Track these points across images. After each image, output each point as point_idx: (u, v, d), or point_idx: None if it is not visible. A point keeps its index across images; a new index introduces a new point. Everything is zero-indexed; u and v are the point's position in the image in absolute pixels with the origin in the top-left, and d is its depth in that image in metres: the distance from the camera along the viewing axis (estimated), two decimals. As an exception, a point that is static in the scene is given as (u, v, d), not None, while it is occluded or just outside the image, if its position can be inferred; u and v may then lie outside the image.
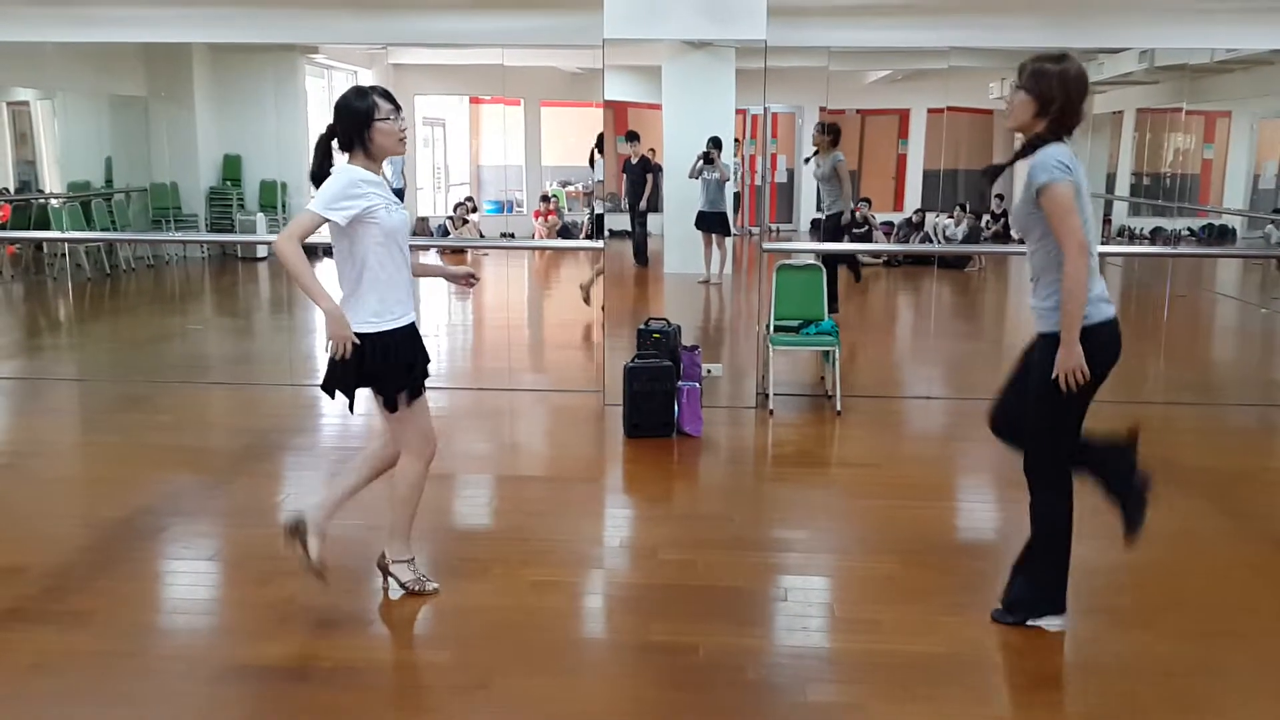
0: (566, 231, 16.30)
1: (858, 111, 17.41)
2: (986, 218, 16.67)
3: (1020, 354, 3.70)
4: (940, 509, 5.11)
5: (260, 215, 13.77)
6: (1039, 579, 3.68)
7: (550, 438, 6.53)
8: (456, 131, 17.96)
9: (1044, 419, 3.53)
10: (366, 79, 15.89)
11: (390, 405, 3.70)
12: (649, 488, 5.46)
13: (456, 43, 8.80)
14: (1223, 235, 16.11)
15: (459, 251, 15.04)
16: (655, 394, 5.99)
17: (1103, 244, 15.78)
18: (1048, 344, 3.45)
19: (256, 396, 7.31)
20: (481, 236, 16.14)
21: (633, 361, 6.12)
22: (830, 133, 9.80)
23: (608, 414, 6.48)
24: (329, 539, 3.83)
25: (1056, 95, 3.36)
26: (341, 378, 3.64)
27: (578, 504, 5.08)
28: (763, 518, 4.93)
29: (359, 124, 3.57)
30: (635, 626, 3.74)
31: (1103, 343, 3.42)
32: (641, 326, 6.48)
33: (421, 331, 3.86)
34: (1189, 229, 16.08)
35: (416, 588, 3.90)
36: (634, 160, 10.47)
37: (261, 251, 13.76)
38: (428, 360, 3.83)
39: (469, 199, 17.20)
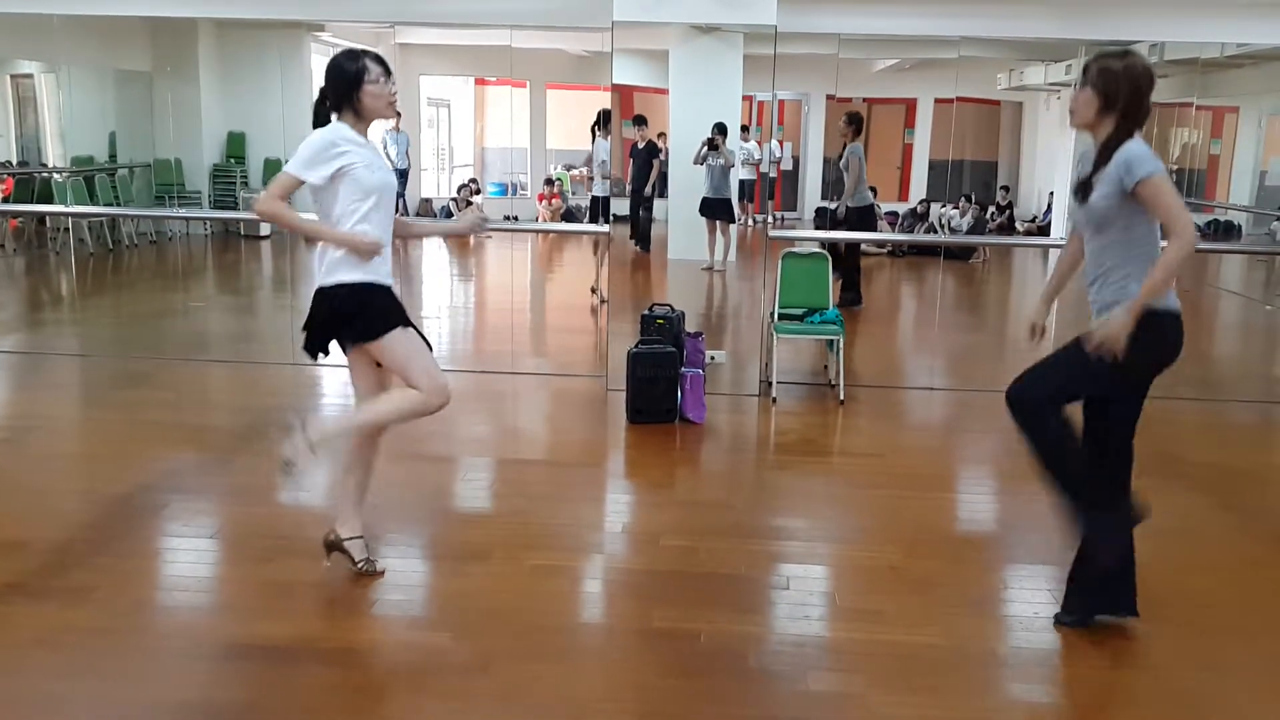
0: (570, 215, 16.26)
1: (864, 100, 17.34)
2: (992, 209, 16.62)
3: (1068, 344, 3.60)
4: (943, 499, 5.10)
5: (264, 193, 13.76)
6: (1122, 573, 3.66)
7: (552, 422, 6.52)
8: (461, 113, 17.91)
9: (1067, 371, 3.52)
10: (372, 58, 15.82)
11: (374, 332, 3.64)
12: (651, 473, 5.46)
13: (464, 23, 8.76)
14: (1228, 231, 16.07)
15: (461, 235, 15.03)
16: (658, 380, 5.98)
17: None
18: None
19: (258, 374, 7.29)
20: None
21: (636, 347, 6.11)
22: (853, 123, 9.78)
23: (610, 399, 6.47)
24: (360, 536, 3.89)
25: (1123, 91, 3.36)
26: (320, 330, 3.67)
27: (579, 489, 5.08)
28: (765, 505, 4.93)
29: (349, 85, 3.57)
30: (637, 612, 3.73)
31: (1171, 328, 3.46)
32: (645, 312, 6.46)
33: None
34: (1195, 224, 16.03)
35: (365, 568, 3.86)
36: (640, 145, 10.43)
37: (264, 229, 13.72)
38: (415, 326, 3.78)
39: (473, 181, 17.17)
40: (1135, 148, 3.33)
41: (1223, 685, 3.35)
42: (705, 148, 8.72)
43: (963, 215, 15.02)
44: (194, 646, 3.41)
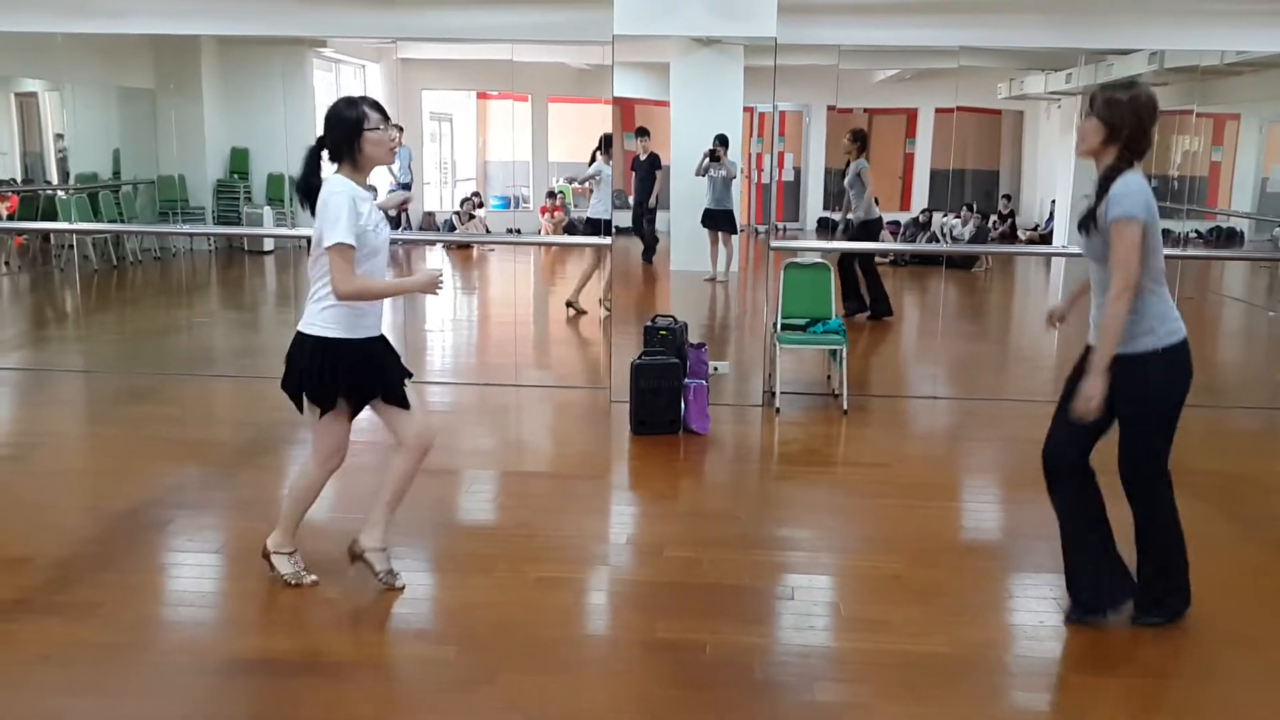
0: (573, 227, 16.30)
1: (865, 110, 17.37)
2: (994, 218, 16.64)
3: (1068, 381, 3.68)
4: (947, 509, 5.09)
5: (267, 208, 13.77)
6: (1177, 582, 3.72)
7: (556, 434, 6.52)
8: (463, 127, 17.95)
9: (1143, 434, 3.61)
10: (374, 73, 15.90)
11: (304, 406, 3.76)
12: (655, 485, 5.46)
13: (466, 38, 8.79)
14: (1230, 238, 16.07)
15: (465, 246, 15.05)
16: (662, 391, 5.98)
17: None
18: (1133, 366, 3.49)
19: (262, 390, 7.28)
20: (488, 232, 16.12)
21: (640, 358, 6.11)
22: (857, 140, 9.83)
23: (614, 411, 6.48)
24: (384, 548, 3.94)
25: (1127, 121, 3.43)
26: (299, 380, 3.74)
27: (583, 500, 5.08)
28: (769, 516, 4.93)
29: (349, 134, 3.57)
30: (641, 624, 3.73)
31: (1180, 362, 3.53)
32: (649, 323, 6.47)
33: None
34: (1196, 231, 16.03)
35: (294, 581, 3.89)
36: (642, 157, 10.45)
37: (268, 245, 13.77)
38: (401, 371, 3.83)
39: (475, 194, 17.18)
40: (1127, 184, 3.40)
41: (1227, 694, 3.35)
42: (707, 159, 8.74)
43: (965, 224, 15.03)
44: (198, 661, 3.42)
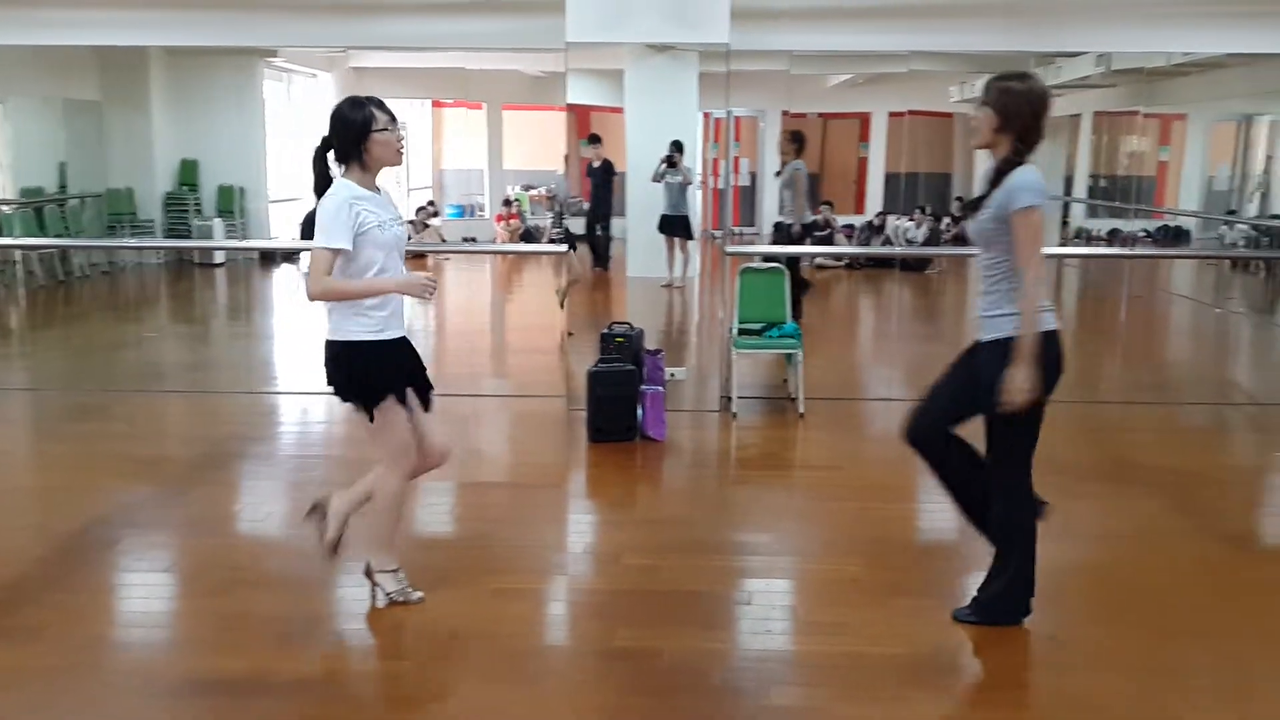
0: (529, 235, 16.25)
1: (819, 115, 17.51)
2: (947, 220, 16.80)
3: (953, 363, 3.70)
4: (903, 510, 5.12)
5: (218, 221, 13.61)
6: (1014, 585, 3.69)
7: (513, 443, 6.49)
8: (418, 135, 17.87)
9: (1011, 432, 3.56)
10: (326, 82, 15.77)
11: (369, 415, 3.65)
12: (612, 492, 5.44)
13: (418, 46, 8.74)
14: (1178, 236, 16.34)
15: (419, 256, 14.95)
16: (618, 398, 5.97)
17: (1060, 246, 15.97)
18: (995, 354, 3.48)
19: (213, 404, 7.21)
20: (443, 241, 16.05)
21: (595, 366, 6.10)
22: (795, 140, 9.76)
23: (571, 419, 6.46)
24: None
25: (1021, 112, 3.45)
26: (344, 386, 3.65)
27: (541, 510, 5.05)
28: (726, 521, 4.92)
29: (356, 135, 3.52)
30: (599, 633, 3.71)
31: (1048, 353, 3.47)
32: (605, 330, 6.45)
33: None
34: (1145, 230, 16.29)
35: (400, 598, 3.82)
36: (596, 164, 10.44)
37: (219, 257, 13.60)
38: (423, 373, 3.81)
39: (430, 203, 17.12)
40: (1024, 176, 3.42)
41: (1184, 687, 3.38)
42: (663, 165, 8.75)
43: (918, 227, 15.17)
44: (148, 683, 3.35)
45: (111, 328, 10.43)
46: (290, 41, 9.76)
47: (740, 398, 6.73)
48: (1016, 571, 3.68)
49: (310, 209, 3.73)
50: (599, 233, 10.78)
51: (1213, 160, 16.89)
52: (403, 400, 3.69)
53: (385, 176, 3.74)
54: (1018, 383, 3.40)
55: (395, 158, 3.60)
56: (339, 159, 3.59)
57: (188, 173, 13.90)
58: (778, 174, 9.64)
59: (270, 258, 14.23)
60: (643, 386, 6.10)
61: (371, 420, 3.65)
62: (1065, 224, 16.24)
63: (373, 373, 3.62)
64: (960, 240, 16.22)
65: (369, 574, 3.87)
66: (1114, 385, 8.22)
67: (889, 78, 15.42)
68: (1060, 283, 14.49)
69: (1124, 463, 5.85)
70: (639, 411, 6.01)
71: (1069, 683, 3.40)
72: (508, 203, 16.65)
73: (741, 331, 6.86)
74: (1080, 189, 16.72)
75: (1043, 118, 3.47)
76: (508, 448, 6.43)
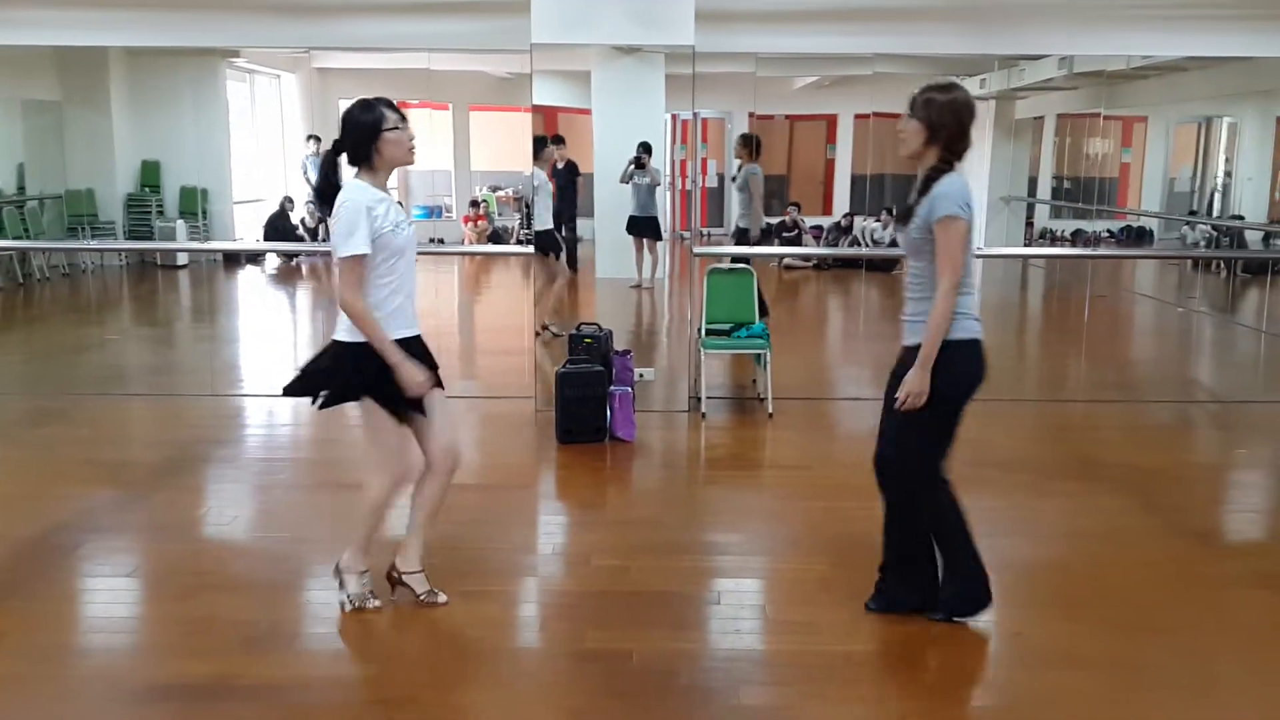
0: (497, 237, 16.20)
1: (786, 117, 17.58)
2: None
3: (889, 384, 3.71)
4: (871, 509, 5.06)
5: (180, 222, 13.44)
6: (963, 574, 3.70)
7: (482, 445, 6.45)
8: (384, 136, 17.75)
9: (920, 426, 3.58)
10: (290, 83, 15.64)
11: (397, 412, 3.63)
12: (582, 494, 5.43)
13: (381, 47, 8.68)
14: (1140, 237, 16.54)
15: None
16: (587, 399, 5.96)
17: (1025, 246, 16.10)
18: (911, 359, 3.54)
19: (177, 407, 7.12)
20: (410, 242, 15.92)
21: (564, 367, 6.08)
22: (748, 144, 9.77)
23: (540, 420, 6.44)
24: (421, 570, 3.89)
25: (946, 122, 3.47)
26: (341, 385, 3.60)
27: (510, 512, 5.03)
28: (696, 521, 4.92)
29: (367, 136, 3.51)
30: (568, 634, 3.70)
31: (968, 357, 3.53)
32: (573, 331, 6.44)
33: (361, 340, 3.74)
34: (1108, 231, 16.48)
35: (357, 602, 3.79)
36: (560, 165, 10.40)
37: (181, 259, 13.44)
38: (434, 372, 3.76)
39: (398, 204, 16.97)
40: (948, 185, 3.45)
41: (1148, 683, 3.42)
42: (631, 166, 8.73)
43: (885, 228, 15.25)
44: (111, 689, 3.31)
45: (72, 330, 10.27)
46: (253, 42, 9.64)
47: (709, 398, 6.74)
48: (956, 562, 3.69)
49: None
50: (564, 234, 10.74)
51: (1174, 162, 17.11)
52: (389, 404, 3.64)
53: (351, 175, 3.70)
54: (911, 386, 3.47)
55: (408, 156, 3.60)
56: (351, 161, 3.58)
57: (149, 174, 13.72)
58: (733, 179, 9.66)
59: (234, 259, 14.09)
60: (612, 387, 6.09)
61: (367, 421, 3.65)
62: (1030, 225, 16.39)
63: (365, 373, 3.57)
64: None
65: (337, 572, 3.83)
66: (1079, 384, 8.30)
67: (854, 80, 15.49)
68: (1025, 283, 14.63)
69: (1089, 461, 5.91)
70: (608, 412, 6.00)
71: (1035, 679, 3.43)
72: (475, 204, 16.59)
73: (709, 332, 6.87)
74: (1044, 190, 16.88)
75: (968, 127, 3.50)
76: (476, 449, 6.38)
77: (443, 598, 3.87)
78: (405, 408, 3.67)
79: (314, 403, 3.64)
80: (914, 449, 3.63)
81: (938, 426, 3.59)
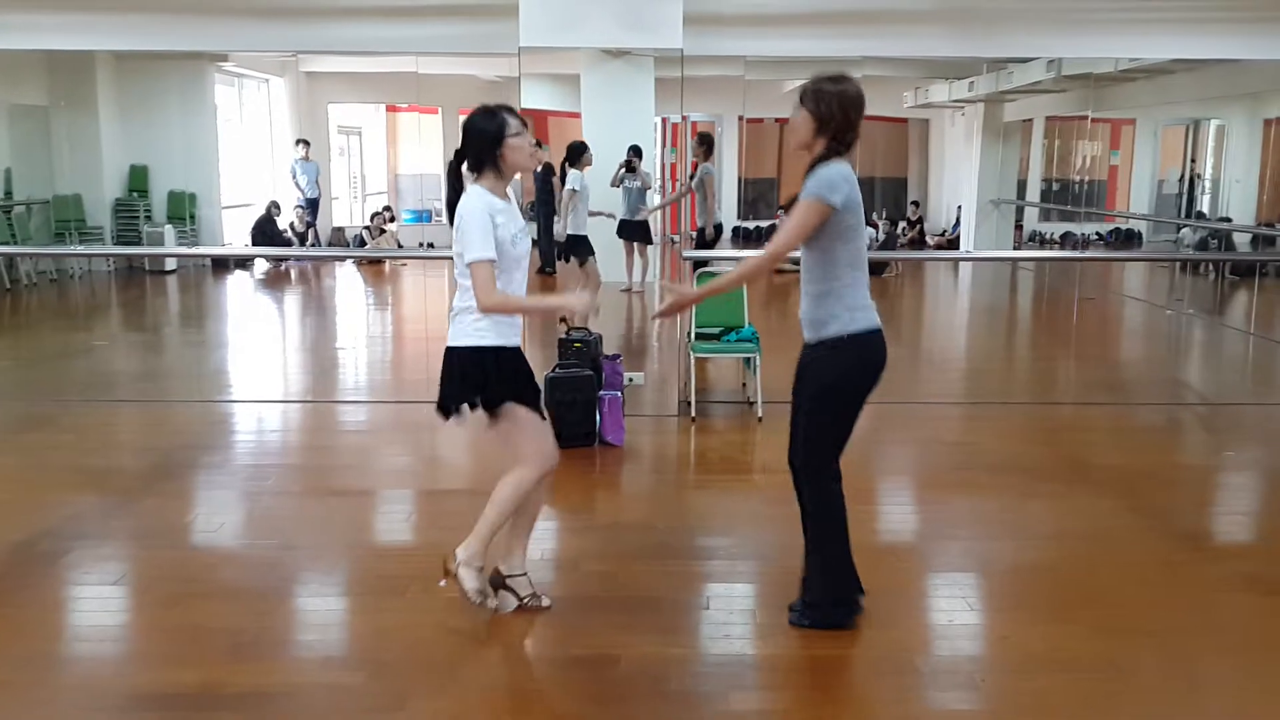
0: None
1: (776, 120, 17.58)
2: (903, 224, 16.95)
3: (794, 386, 3.73)
4: (860, 512, 5.05)
5: (169, 227, 13.41)
6: (834, 570, 3.71)
7: (471, 450, 6.42)
8: (373, 140, 17.74)
9: (818, 422, 3.62)
10: (278, 87, 15.62)
11: (491, 401, 3.66)
12: (571, 498, 5.41)
13: (368, 50, 8.66)
14: (1129, 239, 16.59)
15: (376, 262, 14.85)
16: (576, 404, 5.95)
17: (1014, 249, 16.12)
18: (817, 353, 3.58)
19: (165, 414, 7.10)
20: (400, 246, 15.94)
21: (553, 371, 6.07)
22: (704, 143, 9.76)
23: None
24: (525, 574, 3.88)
25: (834, 114, 3.48)
26: (459, 392, 3.64)
27: (499, 517, 5.00)
28: (686, 526, 4.92)
29: (491, 144, 3.55)
30: (556, 640, 3.69)
31: (867, 348, 3.57)
32: (562, 336, 6.43)
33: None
34: (1097, 233, 16.53)
35: (477, 599, 3.75)
36: (538, 168, 10.38)
37: (170, 264, 13.42)
38: (534, 385, 3.80)
39: (387, 208, 16.97)
40: (826, 170, 3.47)
41: (1137, 685, 3.42)
42: (622, 170, 8.73)
43: (875, 230, 15.29)
44: (96, 698, 3.28)
45: (60, 336, 10.24)
46: (240, 46, 9.63)
47: (699, 402, 6.74)
48: (830, 563, 3.70)
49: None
50: (543, 238, 10.72)
51: (1163, 164, 17.19)
52: (531, 405, 3.73)
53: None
54: (679, 299, 3.72)
55: (530, 162, 3.66)
56: (472, 168, 3.61)
57: (138, 178, 13.69)
58: (692, 177, 9.65)
59: (223, 264, 14.06)
60: (601, 392, 6.08)
61: (514, 421, 3.68)
62: (1019, 227, 16.44)
63: (505, 377, 3.65)
64: (916, 244, 16.40)
65: (496, 585, 3.82)
66: (1068, 386, 8.33)
67: (844, 83, 15.53)
68: (1015, 286, 14.67)
69: (1078, 463, 5.92)
70: (597, 417, 6.00)
71: (1024, 683, 3.42)
72: (464, 208, 16.58)
73: (699, 336, 6.86)
74: (1033, 193, 16.93)
75: (856, 119, 3.52)
76: (466, 455, 6.37)
77: (546, 601, 3.87)
78: (531, 405, 3.74)
79: (448, 417, 3.72)
80: (822, 444, 3.64)
81: (835, 420, 3.61)
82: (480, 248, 3.49)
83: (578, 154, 8.33)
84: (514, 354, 3.70)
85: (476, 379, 3.63)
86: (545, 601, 3.88)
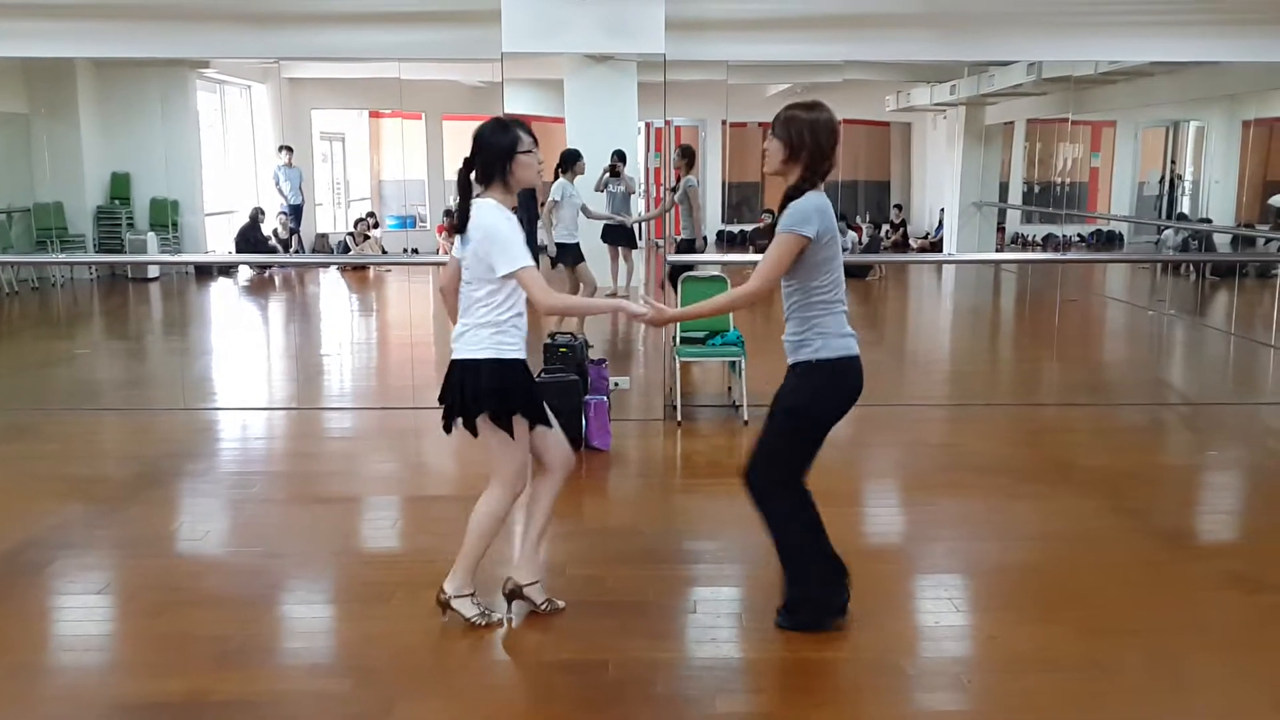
0: (471, 246, 16.17)
1: (760, 124, 17.60)
2: (886, 227, 17.00)
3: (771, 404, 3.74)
4: (845, 515, 5.13)
5: (151, 234, 13.34)
6: (802, 574, 3.72)
7: (457, 456, 6.41)
8: (356, 146, 17.68)
9: (781, 442, 3.65)
10: (260, 93, 15.56)
11: (508, 427, 3.65)
12: (557, 503, 5.36)
13: (350, 57, 8.65)
14: (1110, 241, 16.69)
15: (360, 268, 14.80)
16: (561, 409, 5.88)
17: (996, 252, 16.19)
18: (795, 374, 3.60)
19: (149, 421, 7.06)
20: (384, 252, 15.89)
21: (539, 376, 6.06)
22: (686, 156, 9.78)
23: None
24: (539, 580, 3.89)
25: (806, 142, 3.50)
26: (486, 403, 3.61)
27: (485, 522, 4.99)
28: (672, 530, 4.92)
29: (502, 158, 3.56)
30: (543, 646, 3.69)
31: (841, 374, 3.58)
32: (548, 340, 6.43)
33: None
34: (1079, 235, 16.62)
35: (483, 621, 3.78)
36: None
37: (153, 272, 13.34)
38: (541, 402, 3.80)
39: (370, 215, 16.92)
40: (802, 202, 3.48)
41: (1122, 685, 3.44)
42: (606, 174, 8.75)
43: (858, 235, 15.34)
44: (81, 709, 3.27)
45: (42, 344, 10.17)
46: (222, 53, 9.60)
47: (684, 406, 6.74)
48: (798, 570, 3.71)
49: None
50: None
51: (1143, 166, 17.29)
52: (540, 420, 3.74)
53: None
54: (655, 314, 3.66)
55: (534, 179, 3.68)
56: (480, 179, 3.61)
57: (119, 186, 13.60)
58: (673, 189, 9.65)
59: (206, 271, 14.00)
60: (587, 397, 6.09)
61: (513, 436, 3.66)
62: (1001, 230, 16.51)
63: (521, 389, 3.65)
64: (899, 247, 16.46)
65: (444, 604, 3.79)
66: (1051, 388, 8.36)
67: (826, 87, 15.55)
68: (997, 288, 14.73)
69: (1062, 464, 5.95)
70: (583, 422, 5.99)
71: (1010, 683, 3.44)
72: (449, 213, 16.54)
73: (684, 340, 6.87)
74: (1015, 195, 17.01)
75: (829, 148, 3.53)
76: (451, 460, 6.36)
77: (561, 603, 3.89)
78: (543, 419, 3.76)
79: (450, 429, 3.72)
80: (780, 460, 3.66)
81: (799, 441, 3.64)
82: (524, 255, 3.50)
83: (570, 162, 8.29)
84: (524, 365, 3.71)
85: (500, 391, 3.61)
86: (561, 604, 3.90)
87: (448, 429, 3.74)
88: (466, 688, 3.40)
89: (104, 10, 7.14)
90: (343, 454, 6.42)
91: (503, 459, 3.72)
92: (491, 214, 3.54)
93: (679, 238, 9.75)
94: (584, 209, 8.52)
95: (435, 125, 17.26)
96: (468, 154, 3.63)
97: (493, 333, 3.59)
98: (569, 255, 8.63)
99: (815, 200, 3.48)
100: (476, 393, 3.60)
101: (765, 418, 3.74)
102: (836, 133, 3.55)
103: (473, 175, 3.62)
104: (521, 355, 3.66)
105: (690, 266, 7.74)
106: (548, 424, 3.81)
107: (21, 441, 6.42)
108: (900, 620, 3.93)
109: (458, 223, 3.64)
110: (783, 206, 3.53)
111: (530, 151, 3.60)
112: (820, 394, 3.58)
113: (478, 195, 3.62)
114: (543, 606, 3.86)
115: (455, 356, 3.65)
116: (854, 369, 3.61)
